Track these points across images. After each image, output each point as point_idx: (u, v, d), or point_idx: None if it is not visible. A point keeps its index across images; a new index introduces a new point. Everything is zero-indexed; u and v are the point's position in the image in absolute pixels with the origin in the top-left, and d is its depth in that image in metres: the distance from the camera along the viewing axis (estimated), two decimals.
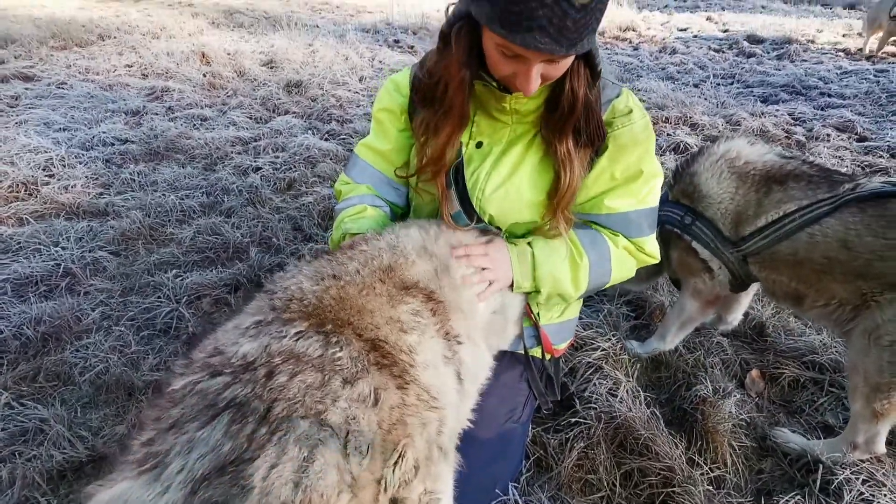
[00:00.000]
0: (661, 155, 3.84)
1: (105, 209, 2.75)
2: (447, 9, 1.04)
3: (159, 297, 2.10)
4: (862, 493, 1.37)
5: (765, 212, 1.53)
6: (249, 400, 0.66)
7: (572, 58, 0.95)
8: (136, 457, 0.64)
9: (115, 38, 7.77)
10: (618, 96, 1.12)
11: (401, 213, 1.38)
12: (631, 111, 1.11)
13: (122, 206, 2.78)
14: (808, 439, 1.59)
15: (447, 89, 1.03)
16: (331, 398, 0.69)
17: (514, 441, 1.33)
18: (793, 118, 4.84)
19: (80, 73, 5.72)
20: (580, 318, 1.94)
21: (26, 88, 5.10)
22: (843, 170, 3.27)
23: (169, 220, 2.68)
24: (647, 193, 1.17)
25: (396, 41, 8.36)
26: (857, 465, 1.43)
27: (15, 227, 2.53)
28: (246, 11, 10.71)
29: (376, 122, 1.29)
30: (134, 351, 1.82)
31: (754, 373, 1.86)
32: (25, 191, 2.88)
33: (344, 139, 3.80)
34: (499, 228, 1.19)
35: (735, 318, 2.02)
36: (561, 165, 1.07)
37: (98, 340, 1.85)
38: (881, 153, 3.98)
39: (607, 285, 1.24)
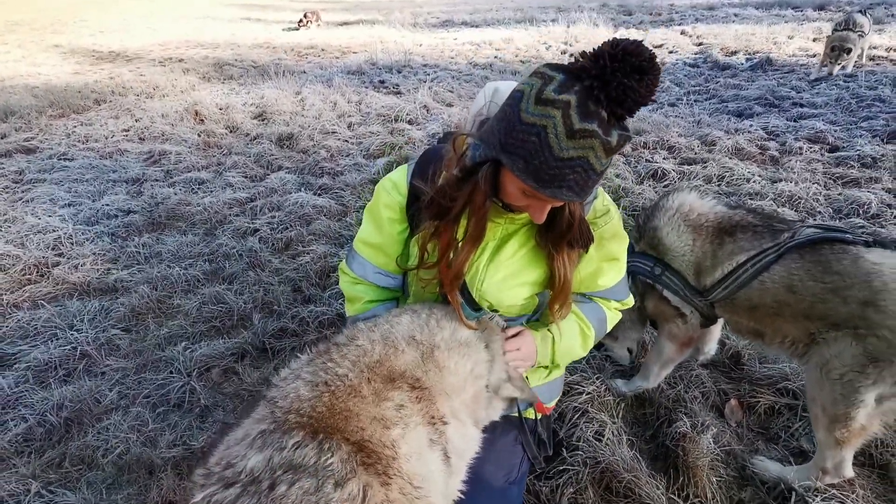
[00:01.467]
0: (640, 183, 4.01)
1: (114, 285, 2.90)
2: (454, 140, 1.21)
3: (171, 372, 2.23)
4: None
5: (720, 263, 1.67)
6: None
7: None
8: None
9: (110, 101, 8.06)
10: (595, 198, 1.30)
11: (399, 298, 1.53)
12: (608, 210, 1.31)
13: (130, 280, 2.94)
14: (785, 466, 1.70)
15: (471, 215, 1.18)
16: (324, 500, 0.82)
17: (512, 499, 1.44)
18: (766, 132, 5.02)
19: (79, 141, 5.95)
20: (572, 364, 2.06)
21: (28, 162, 5.31)
22: (789, 215, 3.43)
23: (175, 292, 2.83)
24: (624, 265, 1.41)
25: (382, 82, 8.63)
26: (828, 492, 1.54)
27: (31, 310, 2.68)
28: (235, 63, 11.06)
29: (373, 217, 1.43)
30: (151, 429, 1.95)
31: (733, 402, 1.98)
32: (37, 273, 3.04)
33: (336, 193, 3.97)
34: (495, 310, 1.34)
35: (711, 348, 2.15)
36: (558, 270, 1.25)
37: (117, 421, 1.98)
38: (852, 163, 4.14)
39: (599, 338, 1.48)
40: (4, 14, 20.45)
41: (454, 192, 1.17)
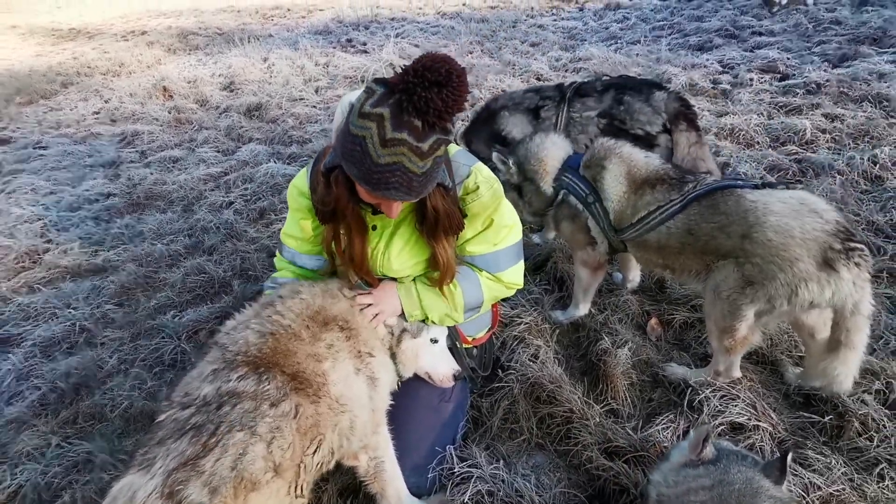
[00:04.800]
0: None
1: (103, 266, 3.13)
2: (324, 151, 1.44)
3: (163, 337, 2.50)
4: (718, 407, 1.79)
5: (637, 211, 1.91)
6: (205, 423, 1.08)
7: None
8: (136, 461, 1.08)
9: (76, 83, 8.01)
10: (468, 176, 1.49)
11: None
12: (478, 187, 1.49)
13: (117, 259, 3.17)
14: (691, 369, 2.01)
15: (345, 215, 1.41)
16: (260, 416, 1.10)
17: (447, 415, 1.74)
18: (721, 65, 5.15)
19: (51, 128, 6.01)
20: (506, 299, 2.32)
21: (3, 153, 5.40)
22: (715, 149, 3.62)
23: (160, 267, 3.07)
24: (502, 239, 1.58)
25: (349, 40, 8.56)
26: (716, 386, 1.85)
27: (28, 294, 2.93)
28: (200, 31, 10.84)
29: (291, 216, 1.66)
30: (150, 386, 2.23)
31: (653, 321, 2.27)
32: (30, 260, 3.26)
33: (305, 161, 4.14)
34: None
35: (635, 275, 2.42)
36: (440, 254, 1.47)
37: (120, 382, 2.26)
38: (797, 91, 4.31)
39: (485, 302, 1.65)
40: None
41: (325, 198, 1.38)
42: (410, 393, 1.65)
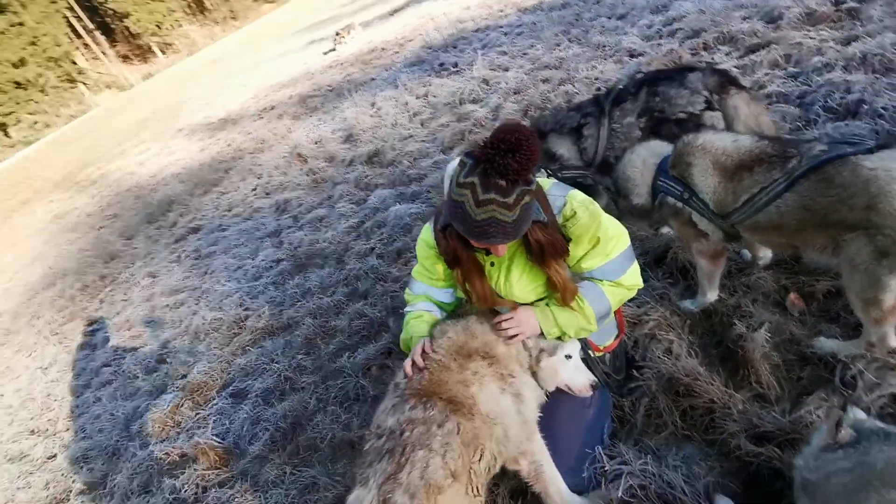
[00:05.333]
0: None
1: (287, 323, 3.86)
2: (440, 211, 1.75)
3: (345, 377, 3.05)
4: (874, 380, 1.73)
5: (739, 196, 1.92)
6: (395, 447, 1.45)
7: None
8: (358, 480, 1.49)
9: (234, 167, 9.61)
10: (564, 205, 1.71)
11: (451, 308, 2.08)
12: (575, 213, 1.69)
13: (297, 315, 3.87)
14: (843, 342, 1.94)
15: (464, 260, 1.75)
16: (432, 435, 1.43)
17: (591, 418, 1.93)
18: None
19: (226, 211, 7.34)
20: (631, 299, 2.42)
21: (198, 240, 6.76)
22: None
23: (329, 316, 3.69)
24: (611, 249, 1.74)
25: (441, 64, 8.99)
26: (869, 358, 1.78)
27: (243, 356, 3.73)
28: (315, 93, 12.20)
29: (420, 262, 2.00)
30: (344, 418, 2.76)
31: (792, 296, 2.20)
32: (237, 327, 4.13)
33: (425, 197, 4.59)
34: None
35: (766, 252, 2.35)
36: (553, 276, 1.70)
37: (322, 419, 2.82)
38: None
39: (612, 307, 1.81)
40: (131, 115, 24.45)
41: (446, 249, 1.73)
42: (556, 404, 1.89)
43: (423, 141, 5.93)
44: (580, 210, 1.71)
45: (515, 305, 1.84)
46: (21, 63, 42.81)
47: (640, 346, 2.25)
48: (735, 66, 4.01)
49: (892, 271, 1.61)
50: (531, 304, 1.85)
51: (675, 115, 2.51)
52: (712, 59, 4.34)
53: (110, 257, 7.91)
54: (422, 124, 6.54)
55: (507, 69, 6.80)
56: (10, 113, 41.53)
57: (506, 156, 1.38)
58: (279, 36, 26.83)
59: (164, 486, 2.82)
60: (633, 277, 1.81)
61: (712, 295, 2.31)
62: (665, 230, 2.82)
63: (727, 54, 4.33)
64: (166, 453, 3.10)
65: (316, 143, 8.17)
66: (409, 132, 6.38)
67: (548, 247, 1.66)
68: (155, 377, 3.96)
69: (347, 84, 11.50)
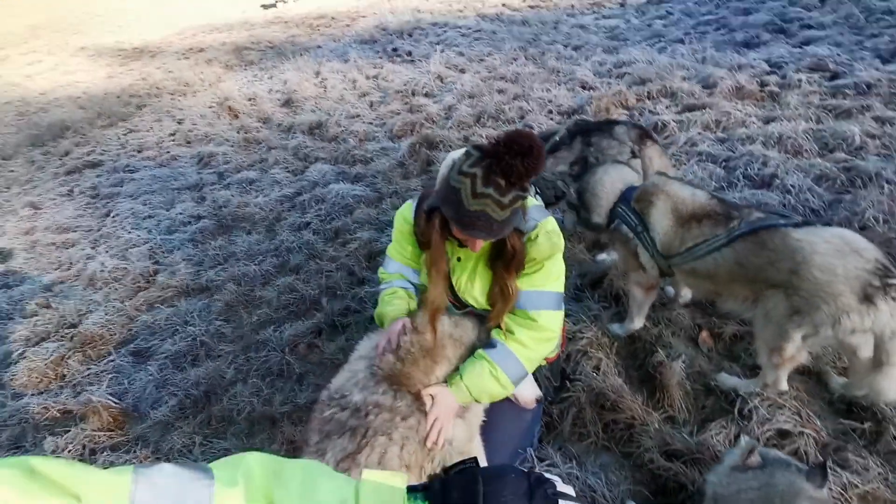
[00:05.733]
0: None
1: (206, 285, 3.60)
2: (425, 194, 1.75)
3: (268, 350, 2.92)
4: (766, 415, 2.03)
5: (684, 242, 2.15)
6: (358, 426, 1.47)
7: None
8: (311, 448, 1.49)
9: (148, 104, 8.70)
10: (533, 228, 1.75)
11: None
12: (538, 237, 1.75)
13: (218, 279, 3.63)
14: (741, 379, 2.24)
15: (433, 246, 1.75)
16: (395, 426, 1.47)
17: (525, 423, 2.05)
18: (769, 65, 5.18)
19: (136, 151, 6.64)
20: (569, 315, 2.60)
21: (97, 177, 6.05)
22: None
23: (255, 286, 3.50)
24: (546, 283, 1.78)
25: (395, 49, 8.88)
26: (765, 396, 2.09)
27: (150, 312, 3.42)
28: (252, 46, 11.42)
29: (396, 237, 1.99)
30: (265, 393, 2.65)
31: (704, 334, 2.51)
32: (144, 280, 3.77)
33: (370, 181, 4.52)
34: (473, 307, 1.90)
35: (686, 291, 2.65)
36: (509, 285, 1.74)
37: (240, 390, 2.68)
38: (847, 91, 4.34)
39: (529, 369, 1.82)
40: (23, 19, 21.15)
41: (424, 230, 1.77)
42: (498, 408, 1.97)
43: (371, 123, 5.83)
44: (544, 237, 1.77)
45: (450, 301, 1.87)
46: None
47: (573, 360, 2.42)
48: (674, 120, 4.43)
49: (799, 326, 1.91)
50: (475, 314, 1.92)
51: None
52: (655, 108, 4.76)
53: None
54: (370, 106, 6.41)
55: (463, 71, 6.89)
56: None
57: (514, 157, 1.42)
58: None
59: (45, 443, 2.51)
60: (551, 319, 1.81)
61: (639, 322, 2.55)
62: (602, 257, 3.06)
63: (667, 107, 4.77)
64: (45, 408, 2.76)
65: (250, 99, 7.67)
66: (356, 111, 6.22)
67: (519, 256, 1.72)
68: (35, 322, 3.48)
69: (291, 45, 10.93)
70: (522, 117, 5.11)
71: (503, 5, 10.39)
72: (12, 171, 6.93)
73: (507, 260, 1.74)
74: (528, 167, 1.44)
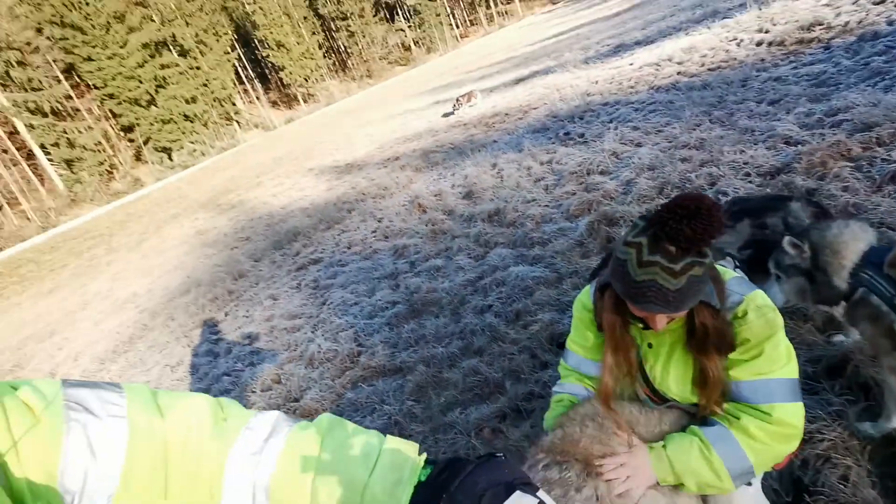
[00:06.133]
0: (878, 190, 3.61)
1: (399, 366, 3.90)
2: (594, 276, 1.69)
3: (455, 432, 2.98)
4: None
5: None
6: None
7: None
8: None
9: (356, 208, 10.30)
10: (738, 304, 1.53)
11: None
12: (747, 314, 1.51)
13: (410, 360, 3.91)
14: None
15: (615, 327, 1.64)
16: (569, 500, 1.32)
17: None
18: None
19: (346, 248, 7.81)
20: (808, 411, 2.14)
21: (318, 271, 7.21)
22: None
23: (442, 367, 3.68)
24: (772, 370, 1.48)
25: (567, 133, 9.13)
26: None
27: (353, 390, 3.81)
28: (437, 149, 12.90)
29: (575, 326, 1.91)
30: None
31: None
32: (350, 361, 4.25)
33: (548, 262, 4.54)
34: (676, 402, 1.68)
35: None
36: (709, 367, 1.52)
37: None
38: None
39: (755, 464, 1.48)
40: (270, 154, 27.38)
41: (601, 310, 1.65)
42: None
43: (547, 206, 5.95)
44: (754, 314, 1.52)
45: (629, 439, 1.60)
46: (192, 100, 50.31)
47: (811, 467, 1.95)
48: None
49: None
50: (677, 408, 1.68)
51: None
52: (890, 154, 3.95)
53: (239, 275, 8.67)
54: (545, 190, 6.59)
55: (639, 144, 6.72)
56: (176, 140, 48.54)
57: (680, 221, 1.31)
58: (407, 95, 29.11)
59: None
60: (789, 414, 1.46)
61: None
62: (840, 338, 2.50)
63: None
64: None
65: (436, 195, 8.53)
66: (532, 196, 6.44)
67: (713, 334, 1.49)
68: (269, 395, 4.15)
69: (469, 144, 12.04)
70: (713, 184, 4.69)
71: (678, 74, 10.04)
72: (260, 270, 8.69)
73: (699, 339, 1.53)
74: (697, 230, 1.30)
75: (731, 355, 1.55)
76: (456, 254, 5.62)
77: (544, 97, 13.90)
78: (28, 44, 42.91)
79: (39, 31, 43.77)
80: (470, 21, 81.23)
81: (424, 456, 0.80)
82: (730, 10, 13.28)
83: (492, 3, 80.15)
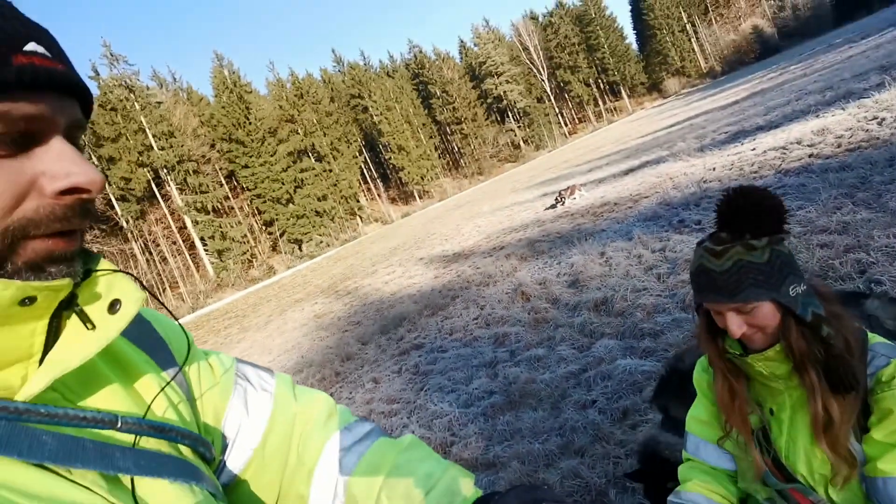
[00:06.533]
0: None
1: (493, 461, 3.62)
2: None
3: None
4: None
5: None
6: None
7: (765, 307, 1.26)
8: None
9: (460, 296, 10.41)
10: (886, 365, 1.24)
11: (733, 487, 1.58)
12: (894, 379, 1.21)
13: (504, 456, 3.62)
14: None
15: (716, 357, 1.41)
16: None
17: None
18: None
19: (447, 334, 7.81)
20: None
21: (419, 356, 7.23)
22: None
23: (538, 466, 3.34)
24: None
25: (681, 221, 8.66)
26: None
27: None
28: (543, 238, 12.89)
29: (698, 396, 1.61)
30: None
31: None
32: (442, 451, 4.05)
33: (661, 356, 4.10)
34: (808, 484, 1.33)
35: None
36: (815, 405, 1.24)
37: None
38: None
39: None
40: (388, 244, 29.29)
41: (702, 341, 1.46)
42: None
43: (660, 296, 5.51)
44: None
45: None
46: (323, 198, 56.66)
47: None
48: None
49: None
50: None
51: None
52: None
53: (346, 357, 8.99)
54: (658, 278, 6.15)
55: None
56: (307, 233, 54.33)
57: (730, 207, 1.31)
58: (515, 189, 30.05)
59: None
60: None
61: None
62: None
63: None
64: None
65: (540, 283, 8.37)
66: (643, 285, 6.04)
67: (808, 355, 1.24)
68: None
69: (576, 233, 11.87)
70: (863, 272, 4.04)
71: (810, 156, 9.24)
72: (366, 353, 8.94)
73: (797, 363, 1.26)
74: (743, 217, 1.26)
75: (873, 434, 1.23)
76: (558, 344, 5.33)
77: (656, 186, 13.50)
78: (203, 156, 52.37)
79: (213, 146, 53.34)
80: (578, 118, 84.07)
81: (478, 492, 0.79)
82: (866, 91, 12.27)
83: (600, 101, 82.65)
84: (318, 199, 55.92)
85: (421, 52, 74.65)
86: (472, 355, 6.15)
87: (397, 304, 12.25)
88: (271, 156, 53.95)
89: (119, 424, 0.54)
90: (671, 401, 2.53)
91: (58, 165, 0.49)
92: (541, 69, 77.66)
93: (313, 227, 54.65)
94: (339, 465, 0.80)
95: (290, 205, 54.83)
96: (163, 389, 0.65)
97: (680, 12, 78.47)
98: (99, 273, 0.56)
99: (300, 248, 53.00)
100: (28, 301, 0.47)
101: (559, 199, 16.54)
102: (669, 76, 78.10)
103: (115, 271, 0.57)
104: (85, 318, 0.53)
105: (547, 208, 17.19)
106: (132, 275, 0.59)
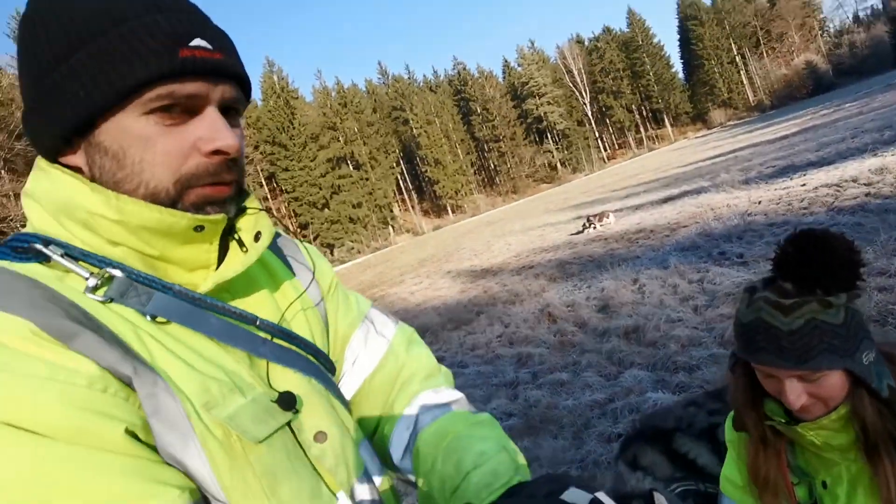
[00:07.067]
0: None
1: None
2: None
3: None
4: None
5: None
6: None
7: (834, 376, 1.08)
8: None
9: (486, 312, 10.21)
10: None
11: None
12: None
13: None
14: None
15: (751, 417, 1.22)
16: None
17: None
18: None
19: (469, 349, 7.62)
20: None
21: None
22: None
23: None
24: None
25: (722, 253, 8.28)
26: None
27: None
28: (574, 261, 12.59)
29: (728, 456, 1.43)
30: None
31: None
32: None
33: (695, 391, 3.83)
34: None
35: None
36: (881, 482, 1.07)
37: None
38: None
39: None
40: (417, 255, 29.32)
41: (732, 401, 1.29)
42: None
43: (696, 328, 5.21)
44: None
45: None
46: (358, 205, 57.53)
47: None
48: None
49: None
50: None
51: None
52: None
53: None
54: (695, 310, 5.84)
55: None
56: (340, 238, 55.16)
57: (801, 253, 1.09)
58: (549, 210, 29.71)
59: None
60: None
61: None
62: None
63: None
64: None
65: (568, 306, 8.11)
66: (678, 315, 5.74)
67: (878, 434, 1.07)
68: None
69: (609, 258, 11.53)
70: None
71: (866, 195, 8.75)
72: None
73: (867, 445, 1.08)
74: (817, 266, 1.05)
75: None
76: (584, 369, 5.08)
77: (696, 216, 13.03)
78: (246, 157, 53.87)
79: (256, 147, 54.92)
80: (618, 144, 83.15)
81: (519, 478, 0.78)
82: None
83: (641, 128, 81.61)
84: (353, 206, 56.78)
85: (465, 68, 75.50)
86: (493, 373, 5.95)
87: (421, 314, 12.11)
88: (311, 161, 55.20)
89: (258, 323, 0.70)
90: (639, 450, 2.38)
91: (209, 132, 0.63)
92: (583, 92, 77.30)
93: (346, 232, 55.44)
94: (416, 420, 0.88)
95: (326, 210, 55.84)
96: (294, 301, 0.80)
97: (730, 44, 76.99)
98: (249, 211, 0.74)
99: (332, 253, 53.75)
100: (199, 228, 0.65)
101: (588, 223, 16.20)
102: (715, 107, 76.36)
103: (259, 210, 0.75)
104: (241, 243, 0.72)
105: (573, 233, 16.85)
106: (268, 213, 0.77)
